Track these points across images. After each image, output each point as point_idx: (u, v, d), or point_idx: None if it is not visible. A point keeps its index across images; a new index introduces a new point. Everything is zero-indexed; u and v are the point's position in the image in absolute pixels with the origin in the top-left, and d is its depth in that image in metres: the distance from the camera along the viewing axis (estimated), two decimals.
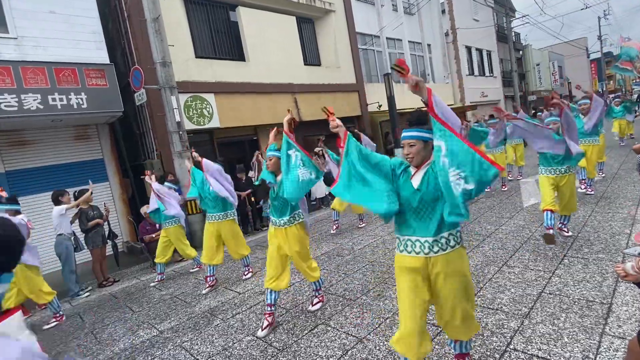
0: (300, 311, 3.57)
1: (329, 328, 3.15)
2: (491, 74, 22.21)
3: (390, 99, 11.33)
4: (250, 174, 8.24)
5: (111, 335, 3.80)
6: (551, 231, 3.95)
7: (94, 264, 5.69)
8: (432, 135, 1.90)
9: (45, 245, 6.23)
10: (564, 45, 33.32)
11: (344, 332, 3.03)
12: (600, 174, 7.07)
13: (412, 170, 2.08)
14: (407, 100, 14.07)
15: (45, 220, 6.57)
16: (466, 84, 18.53)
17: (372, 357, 2.63)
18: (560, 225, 4.44)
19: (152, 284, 5.33)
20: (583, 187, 6.11)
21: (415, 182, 2.01)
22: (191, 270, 5.67)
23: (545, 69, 31.02)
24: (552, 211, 4.02)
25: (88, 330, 4.04)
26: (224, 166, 5.36)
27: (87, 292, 5.41)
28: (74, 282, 5.30)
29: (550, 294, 3.13)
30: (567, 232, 4.41)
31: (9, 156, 6.74)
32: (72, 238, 5.32)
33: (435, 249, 1.96)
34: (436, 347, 2.64)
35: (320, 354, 2.78)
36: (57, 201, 5.20)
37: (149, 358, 3.15)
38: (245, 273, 4.88)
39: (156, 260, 5.47)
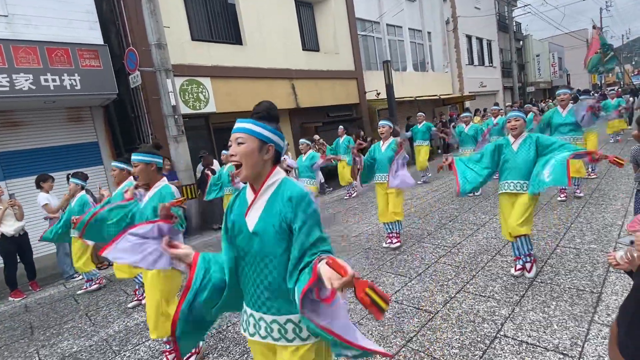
0: None
1: None
2: (491, 64, 22.06)
3: (389, 87, 11.24)
4: None
5: (105, 317, 3.81)
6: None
7: (89, 247, 5.67)
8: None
9: (39, 228, 6.19)
10: (565, 36, 33.07)
11: None
12: (592, 175, 6.58)
13: None
14: (405, 89, 13.99)
15: (35, 205, 6.51)
16: (465, 74, 18.40)
17: None
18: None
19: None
20: (563, 195, 5.57)
21: None
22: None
23: (545, 60, 30.86)
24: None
25: (82, 312, 4.06)
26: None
27: (81, 275, 5.41)
28: (68, 265, 5.30)
29: (541, 282, 3.17)
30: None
31: (0, 137, 6.63)
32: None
33: None
34: (428, 332, 2.68)
35: None
36: (38, 185, 5.17)
37: (143, 340, 3.18)
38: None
39: None
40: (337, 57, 11.56)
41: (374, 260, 4.22)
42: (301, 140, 6.48)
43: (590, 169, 6.60)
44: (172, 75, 6.99)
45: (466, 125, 7.19)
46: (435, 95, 15.30)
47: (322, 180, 9.29)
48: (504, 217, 3.39)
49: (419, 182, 8.41)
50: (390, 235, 4.65)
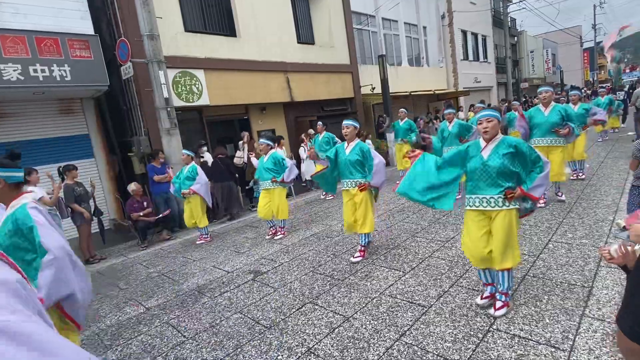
0: (289, 290, 3.58)
1: (316, 307, 3.17)
2: (485, 60, 22.11)
3: (384, 82, 11.19)
4: (238, 154, 8.13)
5: (97, 311, 3.77)
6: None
7: (81, 241, 5.60)
8: None
9: None
10: (559, 33, 33.26)
11: (331, 311, 3.06)
12: (580, 174, 6.27)
13: None
14: (400, 84, 13.96)
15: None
16: (460, 69, 18.41)
17: (358, 335, 2.67)
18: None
19: (198, 242, 5.83)
20: (542, 202, 5.05)
21: None
22: (197, 242, 5.89)
23: (539, 56, 31.02)
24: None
25: None
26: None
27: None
28: None
29: (534, 276, 3.20)
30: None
31: None
32: (54, 207, 5.19)
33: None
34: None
35: (307, 331, 2.80)
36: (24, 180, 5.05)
37: (136, 334, 3.15)
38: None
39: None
40: (332, 50, 11.48)
41: (367, 255, 4.22)
42: (261, 140, 5.50)
43: (578, 170, 6.34)
44: (164, 67, 6.87)
45: (449, 122, 6.32)
46: (430, 91, 15.30)
47: (308, 178, 8.93)
48: (470, 238, 2.72)
49: (397, 182, 8.18)
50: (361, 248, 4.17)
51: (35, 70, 5.87)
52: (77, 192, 5.48)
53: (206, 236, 5.92)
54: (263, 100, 9.66)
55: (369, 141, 10.67)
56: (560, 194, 5.25)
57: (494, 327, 2.56)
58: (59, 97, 7.08)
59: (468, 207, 2.77)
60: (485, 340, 2.43)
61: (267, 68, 9.55)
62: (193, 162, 5.85)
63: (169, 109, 6.93)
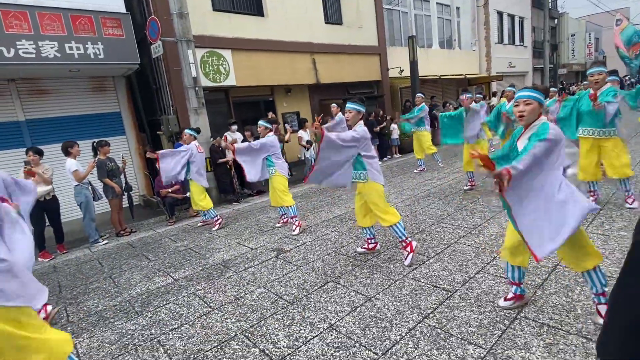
0: (311, 269, 3.62)
1: (338, 285, 3.19)
2: (521, 43, 20.98)
3: (413, 64, 10.86)
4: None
5: (128, 280, 3.95)
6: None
7: (112, 214, 5.86)
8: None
9: (66, 194, 6.42)
10: (604, 15, 30.94)
11: (354, 291, 3.07)
12: (629, 199, 4.27)
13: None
14: (430, 67, 13.51)
15: (64, 171, 6.73)
16: (494, 53, 17.59)
17: (380, 314, 2.67)
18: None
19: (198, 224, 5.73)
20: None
21: None
22: (213, 229, 5.63)
23: (580, 40, 29.09)
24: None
25: (107, 274, 4.22)
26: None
27: (105, 240, 5.61)
28: (93, 230, 5.50)
29: (566, 267, 3.07)
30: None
31: (29, 105, 6.80)
32: (89, 187, 5.45)
33: None
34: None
35: (329, 308, 2.83)
36: (66, 152, 5.30)
37: (164, 303, 3.28)
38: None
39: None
40: (360, 31, 11.20)
41: (391, 238, 4.18)
42: (259, 123, 5.05)
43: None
44: (193, 45, 6.93)
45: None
46: (461, 75, 14.73)
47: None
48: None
49: (415, 171, 7.91)
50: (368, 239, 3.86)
51: (70, 48, 6.06)
52: (109, 167, 5.70)
53: (216, 218, 5.57)
54: (288, 81, 9.61)
55: (394, 125, 10.48)
56: (593, 194, 4.42)
57: (522, 314, 2.49)
58: (93, 75, 7.30)
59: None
60: (512, 327, 2.37)
61: (293, 49, 9.45)
62: (194, 143, 5.54)
63: (197, 88, 7.01)
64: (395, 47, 12.74)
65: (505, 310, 2.55)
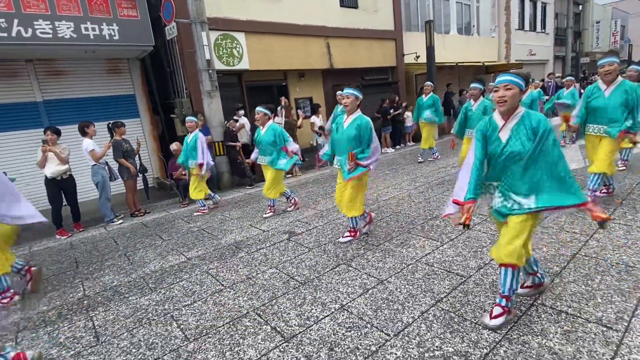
0: (323, 251, 3.61)
1: (350, 268, 3.17)
2: (543, 30, 20.22)
3: (430, 50, 10.58)
4: (277, 119, 8.11)
5: (142, 258, 4.02)
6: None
7: (127, 195, 5.94)
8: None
9: (83, 174, 6.53)
10: (632, 1, 29.56)
11: (365, 273, 3.05)
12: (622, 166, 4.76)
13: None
14: (446, 54, 13.16)
15: (81, 151, 6.84)
16: (514, 40, 17.01)
17: (392, 297, 2.64)
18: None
19: (195, 214, 5.63)
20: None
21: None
22: (195, 213, 5.65)
23: (605, 27, 27.87)
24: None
25: (122, 252, 4.30)
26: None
27: (120, 219, 5.71)
28: (109, 209, 5.59)
29: (585, 256, 2.98)
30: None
31: (46, 86, 6.89)
32: (106, 167, 5.52)
33: None
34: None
35: (341, 290, 2.82)
36: (82, 132, 5.36)
37: (177, 280, 3.32)
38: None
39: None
40: (375, 15, 10.94)
41: (404, 224, 4.14)
42: (258, 109, 4.83)
43: (620, 161, 5.19)
44: (207, 28, 6.87)
45: (475, 101, 5.41)
46: (479, 62, 14.33)
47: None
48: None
49: (419, 161, 7.68)
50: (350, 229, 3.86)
51: (86, 29, 6.07)
52: (124, 148, 5.75)
53: (203, 208, 5.61)
54: (302, 66, 9.49)
55: (409, 113, 10.29)
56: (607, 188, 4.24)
57: (539, 301, 2.43)
58: (108, 57, 7.33)
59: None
60: (529, 313, 2.32)
61: (307, 32, 9.30)
62: (197, 131, 5.55)
63: (210, 71, 6.97)
64: (411, 33, 12.43)
65: (521, 297, 2.50)
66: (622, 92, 3.74)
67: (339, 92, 6.94)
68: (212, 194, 5.82)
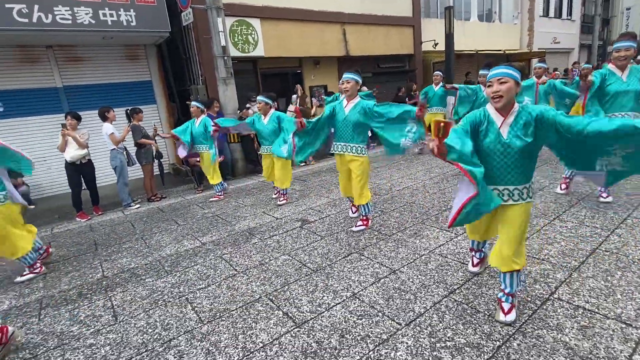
0: (335, 240, 3.61)
1: (362, 257, 3.17)
2: (569, 17, 19.39)
3: (449, 37, 10.29)
4: (291, 107, 8.08)
5: (159, 242, 4.11)
6: None
7: (145, 179, 6.06)
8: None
9: (102, 159, 6.67)
10: None
11: (377, 263, 3.04)
12: None
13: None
14: (466, 41, 12.80)
15: (100, 137, 6.98)
16: (537, 27, 16.38)
17: (404, 287, 2.64)
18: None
19: (211, 200, 5.68)
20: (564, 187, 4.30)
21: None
22: (210, 200, 5.69)
23: (636, 15, 26.43)
24: None
25: (138, 236, 4.40)
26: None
27: (137, 204, 5.83)
28: (126, 194, 5.71)
29: (606, 251, 2.90)
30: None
31: (66, 71, 7.01)
32: (125, 152, 5.62)
33: None
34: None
35: (352, 278, 2.82)
36: (103, 117, 5.45)
37: (192, 264, 3.39)
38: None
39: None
40: (393, 1, 10.67)
41: (418, 214, 4.10)
42: (259, 98, 4.79)
43: None
44: (222, 13, 6.83)
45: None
46: (500, 50, 13.88)
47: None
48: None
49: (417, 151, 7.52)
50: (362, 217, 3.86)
51: (104, 15, 6.12)
52: (143, 132, 5.84)
53: (220, 194, 5.67)
54: (317, 53, 9.38)
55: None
56: (605, 194, 3.95)
57: (555, 295, 2.39)
58: (125, 43, 7.40)
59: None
60: (544, 307, 2.28)
61: (323, 18, 9.16)
62: (204, 116, 5.54)
63: (225, 58, 6.96)
64: (430, 19, 12.11)
65: (536, 291, 2.45)
66: (637, 78, 3.52)
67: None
68: (222, 182, 5.85)
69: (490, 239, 2.60)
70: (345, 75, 3.48)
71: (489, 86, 1.98)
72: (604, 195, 3.94)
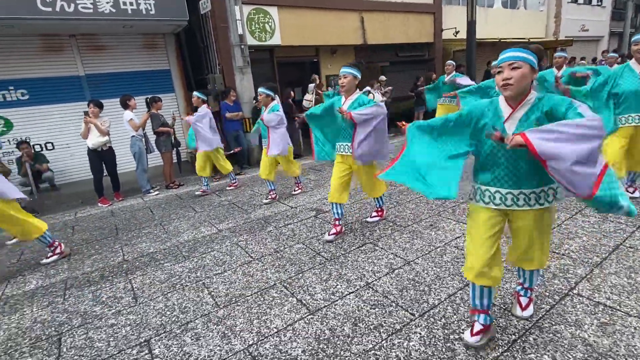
0: (349, 229, 3.62)
1: (376, 247, 3.17)
2: (599, 3, 18.46)
3: (471, 25, 9.95)
4: (307, 97, 8.05)
5: (177, 228, 4.21)
6: None
7: (165, 167, 6.19)
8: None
9: (121, 146, 6.84)
10: None
11: (392, 253, 3.03)
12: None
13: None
14: (489, 29, 12.39)
15: (120, 124, 7.14)
16: (565, 14, 15.67)
17: (419, 278, 2.62)
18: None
19: (196, 193, 5.62)
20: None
21: None
22: (227, 188, 5.73)
23: None
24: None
25: (157, 222, 4.51)
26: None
27: (156, 191, 5.97)
28: (145, 180, 5.86)
29: (630, 247, 2.80)
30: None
31: (87, 60, 7.17)
32: (143, 139, 5.74)
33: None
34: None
35: (366, 268, 2.83)
36: (124, 104, 5.55)
37: (209, 250, 3.46)
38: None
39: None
40: None
41: (434, 206, 4.05)
42: (259, 90, 4.58)
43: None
44: (240, 2, 6.82)
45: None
46: (524, 39, 13.36)
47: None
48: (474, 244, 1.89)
49: None
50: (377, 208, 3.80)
51: (124, 3, 6.19)
52: (162, 120, 5.94)
53: (234, 182, 5.78)
54: (335, 41, 9.27)
55: None
56: (632, 189, 3.73)
57: (575, 291, 2.33)
58: (144, 32, 7.48)
59: (477, 203, 1.87)
60: (563, 303, 2.23)
61: (341, 6, 9.01)
62: (204, 107, 5.45)
63: (242, 47, 6.97)
64: (451, 6, 11.76)
65: (555, 286, 2.40)
66: None
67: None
68: (232, 175, 5.88)
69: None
70: (343, 70, 3.16)
71: (499, 72, 1.67)
72: (630, 190, 3.79)
